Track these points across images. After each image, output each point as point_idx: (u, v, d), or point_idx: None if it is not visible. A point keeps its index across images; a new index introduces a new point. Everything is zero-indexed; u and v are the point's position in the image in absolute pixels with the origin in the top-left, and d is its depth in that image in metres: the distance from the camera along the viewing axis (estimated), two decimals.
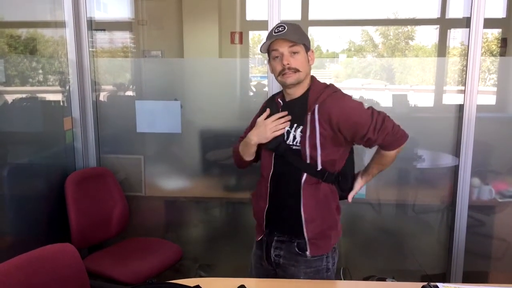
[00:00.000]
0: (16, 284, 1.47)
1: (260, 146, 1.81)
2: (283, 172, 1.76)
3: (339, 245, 2.92)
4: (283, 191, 1.77)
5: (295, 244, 1.76)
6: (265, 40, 1.74)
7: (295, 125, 1.72)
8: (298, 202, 1.72)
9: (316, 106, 1.67)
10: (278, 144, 1.73)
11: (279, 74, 1.71)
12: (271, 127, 1.72)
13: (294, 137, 1.72)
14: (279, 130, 1.72)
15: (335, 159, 1.73)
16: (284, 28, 1.67)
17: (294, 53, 1.68)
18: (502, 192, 2.69)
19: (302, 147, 1.70)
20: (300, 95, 1.75)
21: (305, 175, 1.71)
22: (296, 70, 1.68)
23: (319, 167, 1.70)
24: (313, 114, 1.67)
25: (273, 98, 1.87)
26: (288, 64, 1.67)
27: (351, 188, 1.87)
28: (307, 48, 1.73)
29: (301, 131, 1.70)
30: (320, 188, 1.72)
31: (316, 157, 1.69)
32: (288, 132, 1.73)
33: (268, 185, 1.78)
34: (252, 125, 1.87)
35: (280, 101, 1.80)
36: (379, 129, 1.65)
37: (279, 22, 1.77)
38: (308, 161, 1.70)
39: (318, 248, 1.75)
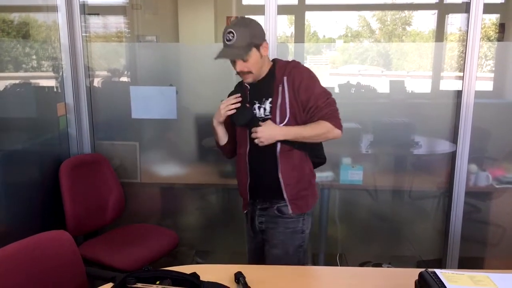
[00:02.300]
0: (11, 271, 1.46)
1: (233, 129, 2.04)
2: (259, 147, 1.90)
3: (335, 231, 2.94)
4: (261, 162, 1.97)
5: (275, 207, 1.99)
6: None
7: (263, 98, 1.93)
8: (276, 170, 1.94)
9: (285, 78, 1.90)
10: (248, 119, 1.92)
11: (239, 74, 1.93)
12: (223, 107, 1.95)
13: (265, 109, 1.93)
14: (230, 109, 1.93)
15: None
16: (234, 35, 1.81)
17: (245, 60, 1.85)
18: (499, 178, 2.69)
19: (272, 115, 1.90)
20: (265, 74, 1.95)
21: (279, 144, 1.91)
22: (249, 72, 1.88)
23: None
24: (283, 85, 1.90)
25: (241, 83, 2.03)
26: (240, 70, 1.88)
27: (322, 156, 2.11)
28: (259, 44, 1.86)
29: (270, 102, 1.92)
30: (294, 154, 1.94)
31: (285, 123, 1.89)
32: (259, 107, 1.94)
33: (247, 160, 1.98)
34: None
35: (247, 85, 1.98)
36: (328, 102, 1.89)
37: (230, 25, 1.84)
38: None
39: (297, 207, 1.98)
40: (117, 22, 3.70)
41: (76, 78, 2.65)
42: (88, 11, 2.70)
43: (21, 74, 2.38)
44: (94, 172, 2.65)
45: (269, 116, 1.91)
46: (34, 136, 2.43)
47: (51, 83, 2.60)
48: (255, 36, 1.86)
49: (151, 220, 2.92)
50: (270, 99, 1.92)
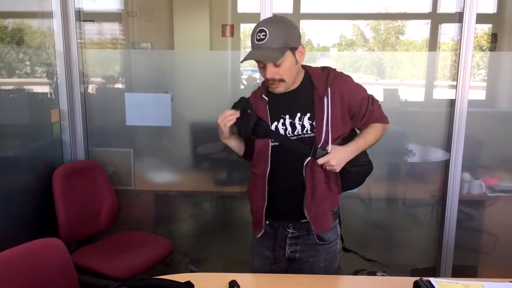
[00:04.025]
0: (2, 279, 1.45)
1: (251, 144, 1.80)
2: (283, 166, 1.72)
3: None
4: (286, 183, 1.74)
5: (315, 235, 1.76)
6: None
7: (299, 113, 1.69)
8: (303, 187, 1.71)
9: (329, 89, 1.67)
10: (264, 130, 1.70)
11: (267, 82, 1.69)
12: (221, 121, 1.70)
13: (303, 126, 1.69)
14: (229, 121, 1.69)
15: (343, 136, 1.75)
16: (266, 34, 1.55)
17: (278, 65, 1.60)
18: (492, 186, 2.71)
19: (317, 133, 1.67)
20: (297, 86, 1.72)
21: (307, 160, 1.69)
22: (282, 80, 1.64)
23: (329, 149, 1.68)
24: (327, 98, 1.67)
25: (254, 93, 1.81)
26: (271, 77, 1.63)
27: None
28: (295, 47, 1.62)
29: (310, 118, 1.68)
30: (317, 168, 1.70)
31: (328, 139, 1.67)
32: (291, 123, 1.70)
33: (266, 182, 1.73)
34: None
35: (265, 97, 1.74)
36: (375, 102, 1.80)
37: (260, 23, 1.61)
38: (320, 145, 1.67)
39: (322, 226, 1.76)
40: (112, 29, 3.70)
41: (70, 84, 2.64)
42: (84, 17, 2.70)
43: (15, 80, 2.37)
44: (87, 179, 2.63)
45: (311, 135, 1.68)
46: (27, 143, 2.42)
47: (45, 89, 2.59)
48: (291, 37, 1.59)
49: (145, 228, 2.90)
50: (308, 114, 1.68)
